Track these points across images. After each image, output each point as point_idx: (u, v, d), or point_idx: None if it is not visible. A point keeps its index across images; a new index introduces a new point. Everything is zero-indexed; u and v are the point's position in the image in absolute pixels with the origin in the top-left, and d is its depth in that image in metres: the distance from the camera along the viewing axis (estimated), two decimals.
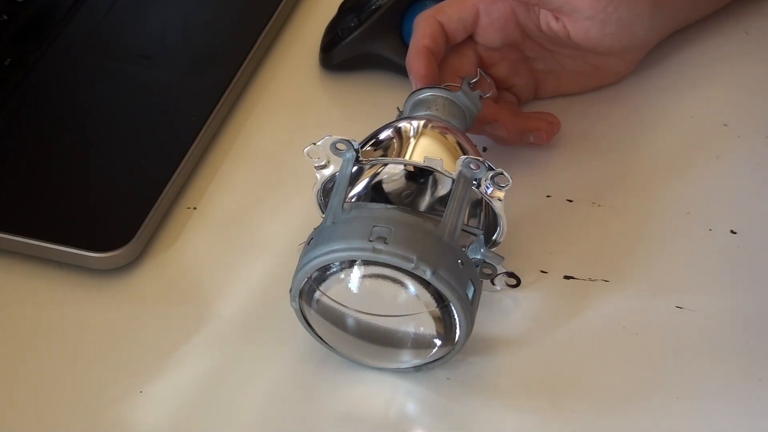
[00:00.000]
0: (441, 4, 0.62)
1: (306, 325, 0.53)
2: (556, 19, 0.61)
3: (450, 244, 0.50)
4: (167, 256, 0.60)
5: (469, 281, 0.51)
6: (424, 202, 0.57)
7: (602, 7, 0.60)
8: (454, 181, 0.52)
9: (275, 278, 0.58)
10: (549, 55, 0.65)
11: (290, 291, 0.52)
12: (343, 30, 0.68)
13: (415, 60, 0.60)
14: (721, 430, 0.52)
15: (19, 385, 0.55)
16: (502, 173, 0.52)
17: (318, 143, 0.53)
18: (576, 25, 0.61)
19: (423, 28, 0.61)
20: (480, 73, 0.62)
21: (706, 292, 0.57)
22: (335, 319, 0.53)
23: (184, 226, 0.62)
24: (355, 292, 0.51)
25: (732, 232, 0.59)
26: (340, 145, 0.53)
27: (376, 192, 0.57)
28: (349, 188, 0.55)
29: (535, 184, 0.62)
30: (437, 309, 0.51)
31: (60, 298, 0.58)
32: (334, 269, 0.51)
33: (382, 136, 0.55)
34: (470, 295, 0.51)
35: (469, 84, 0.59)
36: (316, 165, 0.54)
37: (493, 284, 0.56)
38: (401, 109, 0.59)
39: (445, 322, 0.51)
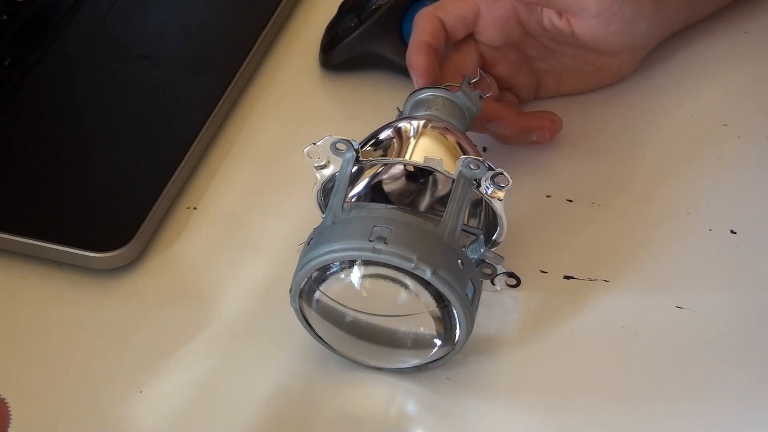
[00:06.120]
0: (442, 1, 0.62)
1: (306, 325, 0.53)
2: (560, 16, 0.61)
3: (450, 244, 0.50)
4: (167, 256, 0.60)
5: (469, 281, 0.51)
6: (424, 202, 0.57)
7: (608, 6, 0.60)
8: (454, 181, 0.52)
9: (275, 278, 0.58)
10: (550, 54, 0.65)
11: (290, 291, 0.52)
12: (343, 30, 0.68)
13: (415, 55, 0.60)
14: (721, 430, 0.52)
15: (19, 385, 0.55)
16: (502, 173, 0.52)
17: (318, 143, 0.53)
18: (581, 22, 0.61)
19: (423, 24, 0.61)
20: (480, 73, 0.62)
21: (706, 292, 0.57)
22: (335, 319, 0.53)
23: (184, 226, 0.62)
24: (355, 292, 0.51)
25: (732, 232, 0.59)
26: (340, 145, 0.53)
27: (376, 192, 0.57)
28: (349, 188, 0.55)
29: (535, 184, 0.62)
30: (437, 309, 0.51)
31: (60, 298, 0.58)
32: (334, 269, 0.51)
33: (382, 136, 0.55)
34: (470, 295, 0.51)
35: (470, 84, 0.59)
36: (316, 165, 0.54)
37: (493, 284, 0.56)
38: (401, 109, 0.59)
39: (445, 322, 0.51)
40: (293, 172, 0.63)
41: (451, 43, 0.63)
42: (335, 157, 0.53)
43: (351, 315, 0.52)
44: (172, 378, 0.55)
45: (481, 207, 0.56)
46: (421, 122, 0.55)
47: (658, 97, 0.66)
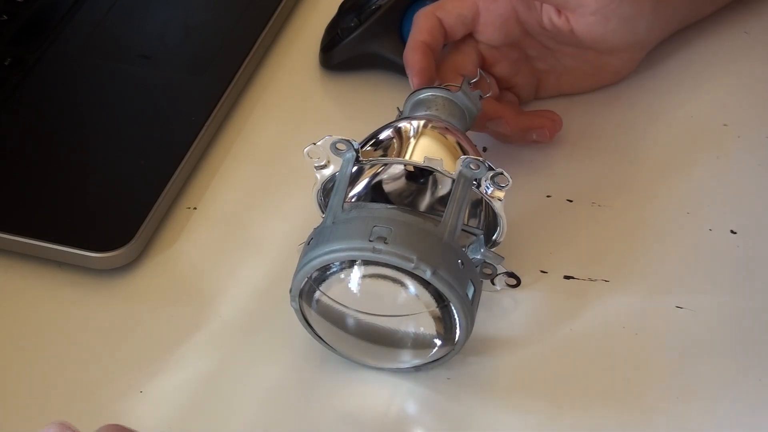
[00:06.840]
0: (441, 0, 0.62)
1: (306, 325, 0.53)
2: (559, 14, 0.61)
3: (450, 244, 0.50)
4: (167, 256, 0.60)
5: (469, 281, 0.51)
6: (424, 202, 0.57)
7: (606, 3, 0.60)
8: (454, 181, 0.52)
9: (275, 278, 0.58)
10: (550, 53, 0.65)
11: (290, 291, 0.52)
12: (343, 30, 0.68)
13: (412, 54, 0.60)
14: (721, 430, 0.52)
15: (19, 385, 0.55)
16: (502, 173, 0.52)
17: (318, 143, 0.53)
18: (580, 20, 0.61)
19: (421, 23, 0.62)
20: (480, 72, 0.62)
21: (706, 292, 0.57)
22: (335, 319, 0.53)
23: (184, 226, 0.62)
24: (355, 292, 0.51)
25: (732, 232, 0.59)
26: (340, 145, 0.53)
27: (376, 192, 0.57)
28: (349, 188, 0.55)
29: (535, 184, 0.62)
30: (437, 309, 0.51)
31: (60, 298, 0.58)
32: (334, 269, 0.51)
33: (382, 136, 0.55)
34: (470, 295, 0.51)
35: (469, 84, 0.59)
36: (316, 165, 0.54)
37: (493, 284, 0.56)
38: (401, 109, 0.59)
39: (445, 322, 0.51)
40: (293, 172, 0.63)
41: (451, 43, 0.63)
42: (335, 157, 0.53)
43: (351, 315, 0.52)
44: (172, 378, 0.55)
45: (481, 207, 0.56)
46: (421, 122, 0.55)
47: (658, 97, 0.66)
